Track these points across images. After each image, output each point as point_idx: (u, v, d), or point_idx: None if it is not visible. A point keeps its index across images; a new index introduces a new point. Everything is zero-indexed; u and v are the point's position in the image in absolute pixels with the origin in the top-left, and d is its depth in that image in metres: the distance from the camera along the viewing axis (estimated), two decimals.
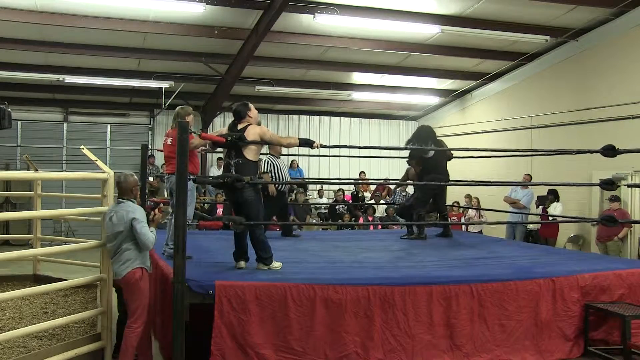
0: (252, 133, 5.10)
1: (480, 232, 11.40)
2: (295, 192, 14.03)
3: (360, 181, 13.54)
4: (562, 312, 5.20)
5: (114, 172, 5.26)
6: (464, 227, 11.54)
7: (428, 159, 7.47)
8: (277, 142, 5.62)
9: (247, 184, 4.94)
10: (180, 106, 5.82)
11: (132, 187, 4.75)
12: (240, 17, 10.01)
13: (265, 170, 7.66)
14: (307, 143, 5.44)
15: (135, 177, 4.87)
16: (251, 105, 5.29)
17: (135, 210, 4.62)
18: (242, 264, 5.18)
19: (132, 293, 4.66)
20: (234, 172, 5.04)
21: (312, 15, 9.68)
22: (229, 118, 15.59)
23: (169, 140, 5.71)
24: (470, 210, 12.05)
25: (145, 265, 4.70)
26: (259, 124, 5.40)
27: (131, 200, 4.73)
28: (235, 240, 5.24)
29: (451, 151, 7.84)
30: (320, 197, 14.56)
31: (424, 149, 7.23)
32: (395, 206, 13.08)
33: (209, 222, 5.12)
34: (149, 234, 4.56)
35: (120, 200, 4.72)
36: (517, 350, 5.02)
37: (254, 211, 5.10)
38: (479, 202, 12.30)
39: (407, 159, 8.13)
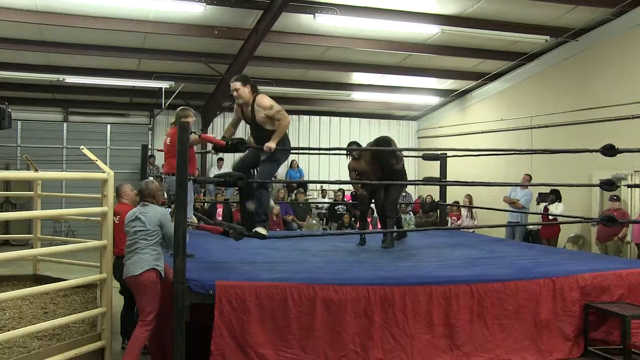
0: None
1: (472, 231, 11.38)
2: (295, 192, 14.06)
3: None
4: (562, 312, 5.20)
5: (114, 172, 5.29)
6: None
7: (399, 169, 7.18)
8: None
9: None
10: (181, 107, 5.82)
11: (154, 192, 4.87)
12: (240, 17, 10.00)
13: None
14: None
15: (157, 183, 5.02)
16: None
17: (165, 213, 4.82)
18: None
19: (144, 294, 4.60)
20: None
21: (312, 15, 9.66)
22: (229, 118, 15.79)
23: (168, 140, 5.73)
24: (462, 209, 12.02)
25: (160, 268, 4.67)
26: None
27: (154, 204, 4.85)
28: (244, 211, 5.38)
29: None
30: (324, 197, 14.55)
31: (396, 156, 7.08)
32: None
33: (210, 227, 5.10)
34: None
35: (145, 203, 4.80)
36: (517, 350, 5.02)
37: (266, 170, 5.35)
38: (470, 201, 12.25)
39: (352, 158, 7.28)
